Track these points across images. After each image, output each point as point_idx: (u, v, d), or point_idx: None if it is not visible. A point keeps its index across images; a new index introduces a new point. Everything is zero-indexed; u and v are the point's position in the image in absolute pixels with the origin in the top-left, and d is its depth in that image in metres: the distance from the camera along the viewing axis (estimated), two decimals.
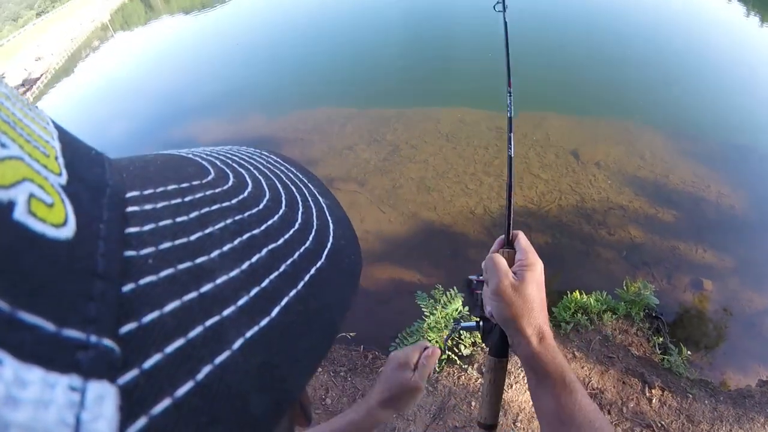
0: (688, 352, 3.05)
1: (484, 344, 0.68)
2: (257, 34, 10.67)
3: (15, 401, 0.10)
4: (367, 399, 0.77)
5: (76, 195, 0.16)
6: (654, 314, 3.39)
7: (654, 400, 2.85)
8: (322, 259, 0.23)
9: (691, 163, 4.65)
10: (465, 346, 2.79)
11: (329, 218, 0.26)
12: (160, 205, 0.20)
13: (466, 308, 2.85)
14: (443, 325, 2.73)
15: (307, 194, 0.27)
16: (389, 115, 5.48)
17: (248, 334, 0.17)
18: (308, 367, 0.19)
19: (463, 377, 2.72)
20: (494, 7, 1.08)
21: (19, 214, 0.13)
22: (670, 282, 3.76)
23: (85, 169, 0.18)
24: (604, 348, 3.10)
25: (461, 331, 2.81)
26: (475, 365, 2.79)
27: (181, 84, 8.88)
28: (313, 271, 0.22)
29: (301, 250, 0.22)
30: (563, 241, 3.70)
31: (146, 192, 0.20)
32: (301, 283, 0.21)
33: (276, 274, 0.20)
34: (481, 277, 0.69)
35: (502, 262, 0.64)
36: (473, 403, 2.63)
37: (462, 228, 3.82)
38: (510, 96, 0.86)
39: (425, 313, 2.73)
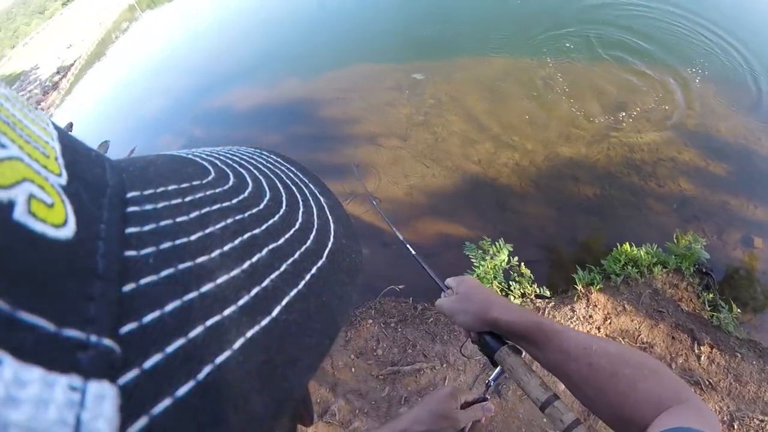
0: (738, 311, 2.96)
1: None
2: None
3: (14, 401, 0.10)
4: (393, 425, 0.77)
5: (76, 195, 0.16)
6: (704, 270, 3.29)
7: (702, 357, 2.79)
8: (323, 258, 0.23)
9: (743, 116, 4.36)
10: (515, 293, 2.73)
11: (330, 217, 0.26)
12: (160, 205, 0.20)
13: (516, 258, 2.76)
14: (492, 276, 2.66)
15: (307, 193, 0.27)
16: (427, 68, 5.30)
17: (249, 334, 0.17)
18: (310, 366, 0.19)
19: None
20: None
21: (19, 214, 0.13)
22: (721, 237, 3.62)
23: (85, 169, 0.18)
24: (654, 302, 3.05)
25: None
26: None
27: (214, 54, 8.74)
28: (314, 270, 0.22)
29: (302, 249, 0.22)
30: (613, 192, 3.55)
31: (146, 192, 0.20)
32: (302, 282, 0.21)
33: (277, 273, 0.20)
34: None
35: (441, 300, 0.80)
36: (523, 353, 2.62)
37: (507, 180, 3.70)
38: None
39: (474, 263, 2.65)
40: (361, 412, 2.50)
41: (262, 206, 0.23)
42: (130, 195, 0.19)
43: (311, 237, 0.23)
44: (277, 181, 0.27)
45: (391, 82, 5.33)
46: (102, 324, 0.13)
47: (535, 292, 2.82)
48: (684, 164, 3.79)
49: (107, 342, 0.13)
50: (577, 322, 2.82)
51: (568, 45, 5.01)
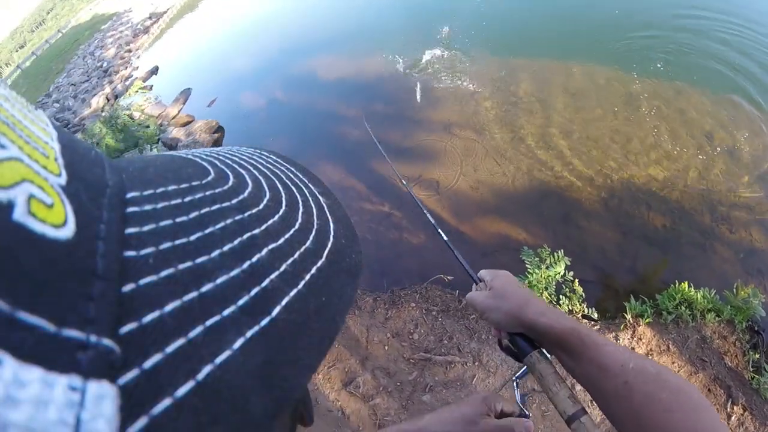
0: None
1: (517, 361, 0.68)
2: None
3: (14, 401, 0.10)
4: (416, 422, 0.70)
5: (76, 195, 0.16)
6: (756, 328, 3.15)
7: (733, 418, 2.70)
8: (323, 259, 0.23)
9: None
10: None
11: (330, 218, 0.26)
12: (160, 205, 0.20)
13: (571, 273, 2.68)
14: (543, 285, 2.59)
15: (307, 194, 0.27)
16: (516, 65, 5.18)
17: (249, 334, 0.17)
18: (309, 367, 0.19)
19: None
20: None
21: (19, 214, 0.13)
22: None
23: (84, 169, 0.18)
24: (699, 349, 2.95)
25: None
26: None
27: (306, 23, 8.78)
28: (313, 270, 0.22)
29: (302, 249, 0.22)
30: (682, 228, 3.40)
31: (146, 193, 0.20)
32: (302, 283, 0.21)
33: (276, 273, 0.20)
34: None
35: (472, 294, 0.73)
36: (558, 366, 2.57)
37: (577, 194, 3.59)
38: None
39: (529, 269, 2.58)
40: (384, 390, 2.50)
41: (261, 206, 0.23)
42: (129, 195, 0.19)
43: (311, 237, 0.23)
44: (276, 182, 0.27)
45: (477, 74, 5.21)
46: (102, 324, 0.13)
47: (583, 311, 2.75)
48: (761, 214, 3.58)
49: (107, 342, 0.13)
50: None
51: (658, 65, 4.75)
